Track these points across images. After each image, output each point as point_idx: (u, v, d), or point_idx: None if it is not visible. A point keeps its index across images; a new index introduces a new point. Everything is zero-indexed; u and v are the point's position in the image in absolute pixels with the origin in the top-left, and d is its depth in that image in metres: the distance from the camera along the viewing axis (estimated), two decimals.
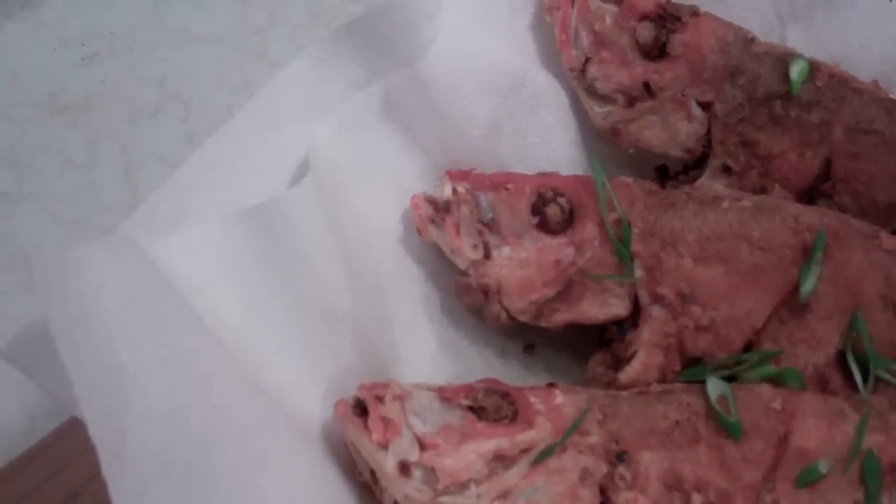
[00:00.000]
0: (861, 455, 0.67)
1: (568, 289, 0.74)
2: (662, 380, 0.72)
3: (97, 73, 0.94)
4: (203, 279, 0.64)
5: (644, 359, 0.72)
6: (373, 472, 0.63)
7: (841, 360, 0.73)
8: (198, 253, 0.65)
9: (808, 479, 0.66)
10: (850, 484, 0.67)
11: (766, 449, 0.67)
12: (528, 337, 0.78)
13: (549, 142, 0.82)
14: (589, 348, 0.75)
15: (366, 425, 0.62)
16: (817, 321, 0.73)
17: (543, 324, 0.74)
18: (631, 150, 0.83)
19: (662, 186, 0.80)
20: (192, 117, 0.93)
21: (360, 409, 0.63)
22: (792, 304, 0.73)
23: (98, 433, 0.54)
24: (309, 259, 0.68)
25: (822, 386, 0.72)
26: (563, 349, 0.78)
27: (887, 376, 0.72)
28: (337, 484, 0.62)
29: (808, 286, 0.73)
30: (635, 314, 0.73)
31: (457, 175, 0.76)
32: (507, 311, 0.74)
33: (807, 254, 0.74)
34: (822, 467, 0.66)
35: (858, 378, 0.72)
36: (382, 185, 0.75)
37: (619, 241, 0.74)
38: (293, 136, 0.72)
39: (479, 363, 0.76)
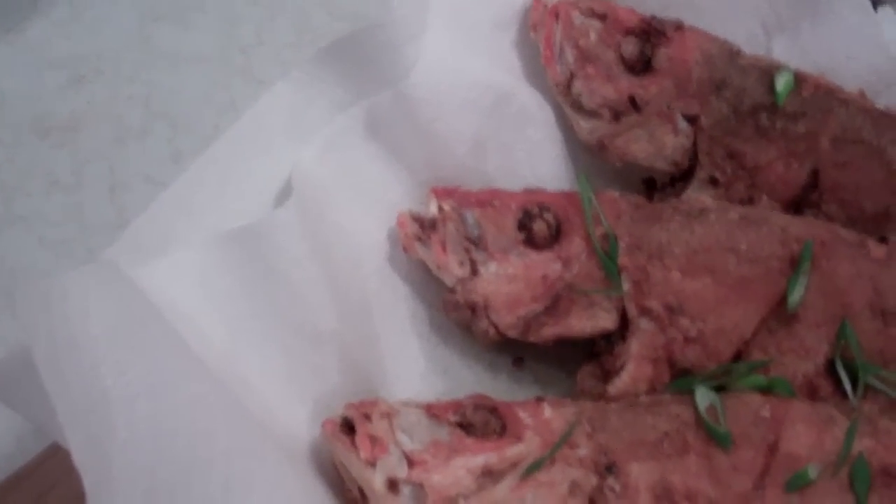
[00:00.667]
0: (850, 460, 0.69)
1: (556, 303, 0.75)
2: (652, 391, 0.73)
3: (83, 94, 0.96)
4: (188, 303, 0.65)
5: (633, 371, 0.73)
6: (361, 491, 0.64)
7: (830, 368, 0.74)
8: (182, 277, 0.66)
9: (797, 485, 0.67)
10: (839, 488, 0.68)
11: (756, 457, 0.68)
12: (517, 351, 0.79)
13: (535, 157, 0.84)
14: (578, 361, 0.76)
15: (353, 443, 0.63)
16: (806, 330, 0.75)
17: (532, 339, 0.75)
18: (618, 164, 0.84)
19: (650, 199, 0.81)
20: (178, 137, 0.95)
21: (348, 427, 0.64)
22: (780, 315, 0.75)
23: (82, 459, 0.55)
24: (293, 281, 0.69)
25: (812, 394, 0.74)
26: (553, 362, 0.79)
27: (877, 383, 0.73)
28: (325, 503, 0.63)
29: (795, 296, 0.74)
30: (623, 327, 0.75)
31: (442, 192, 0.77)
32: (496, 327, 0.75)
33: (794, 264, 0.75)
34: (812, 472, 0.67)
35: (848, 385, 0.73)
36: (367, 204, 0.76)
37: (606, 255, 0.75)
38: (277, 158, 0.74)
39: (468, 378, 0.77)
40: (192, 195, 0.70)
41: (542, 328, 0.75)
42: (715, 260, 0.75)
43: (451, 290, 0.75)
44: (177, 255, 0.67)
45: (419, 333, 0.77)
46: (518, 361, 0.80)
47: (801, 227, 0.77)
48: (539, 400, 0.70)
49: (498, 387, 0.77)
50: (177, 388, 0.58)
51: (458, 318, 0.76)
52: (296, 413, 0.66)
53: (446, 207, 0.76)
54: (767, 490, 0.67)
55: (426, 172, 0.80)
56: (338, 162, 0.76)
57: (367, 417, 0.64)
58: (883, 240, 0.79)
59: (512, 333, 0.75)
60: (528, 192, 0.79)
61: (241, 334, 0.66)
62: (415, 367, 0.75)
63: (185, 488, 0.56)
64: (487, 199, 0.77)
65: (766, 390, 0.73)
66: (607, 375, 0.75)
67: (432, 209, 0.76)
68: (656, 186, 0.87)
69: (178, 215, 0.70)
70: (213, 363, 0.62)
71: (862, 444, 0.70)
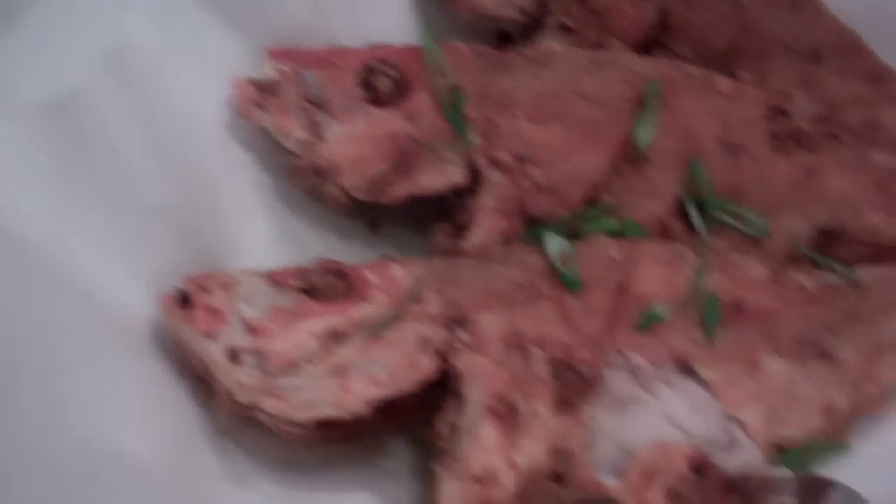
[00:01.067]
0: (701, 296, 0.70)
1: (404, 161, 0.74)
2: (506, 244, 0.73)
3: None
4: (4, 178, 0.62)
5: (486, 225, 0.73)
6: (205, 366, 0.63)
7: (681, 207, 0.75)
8: None
9: (647, 324, 0.68)
10: (690, 324, 0.69)
11: (606, 299, 0.69)
12: (371, 216, 0.79)
13: (380, 12, 0.81)
14: (432, 221, 0.76)
15: (191, 316, 0.62)
16: (656, 171, 0.75)
17: (383, 200, 0.74)
18: (467, 16, 0.82)
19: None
20: None
21: (185, 301, 0.63)
22: (630, 157, 0.75)
23: None
24: (119, 151, 0.66)
25: (664, 235, 0.74)
26: (407, 224, 0.78)
27: (727, 218, 0.74)
28: (164, 380, 0.62)
29: (643, 136, 0.74)
30: (474, 181, 0.74)
31: (279, 53, 0.75)
32: (345, 191, 0.74)
33: (642, 104, 0.75)
34: (660, 310, 0.68)
35: (699, 222, 0.74)
36: (201, 71, 0.73)
37: (452, 108, 0.74)
38: (100, 25, 0.70)
39: (320, 247, 0.76)
40: (7, 66, 0.66)
41: (391, 188, 0.74)
42: (563, 105, 0.75)
43: (296, 156, 0.74)
44: None
45: (264, 203, 0.75)
46: (372, 226, 0.79)
47: (648, 66, 0.77)
48: (387, 259, 0.70)
49: (352, 253, 0.77)
50: None
51: (304, 184, 0.75)
52: (132, 291, 0.65)
53: (285, 69, 0.74)
54: (618, 331, 0.68)
55: (264, 35, 0.77)
56: (167, 29, 0.72)
57: (205, 289, 0.63)
58: (732, 75, 0.79)
59: (361, 196, 0.74)
60: (370, 47, 0.77)
61: (64, 209, 0.63)
62: (261, 239, 0.74)
63: (1, 368, 0.54)
64: (327, 58, 0.75)
65: (618, 234, 0.73)
66: (461, 231, 0.74)
67: (269, 72, 0.74)
68: (510, 39, 0.86)
69: None
70: (32, 240, 0.60)
71: (712, 280, 0.71)
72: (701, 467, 0.64)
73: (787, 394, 0.68)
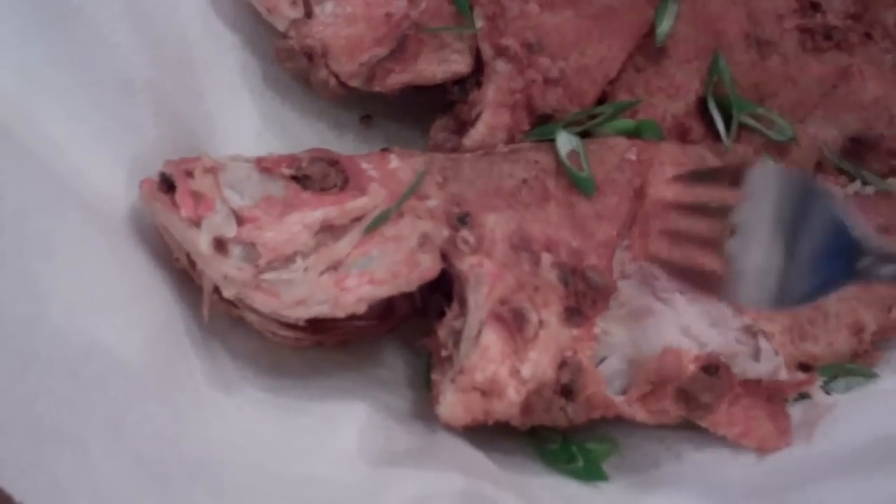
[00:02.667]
0: None
1: (402, 46, 0.71)
2: (511, 141, 0.71)
3: None
4: None
5: (489, 119, 0.70)
6: (189, 257, 0.61)
7: (702, 107, 0.73)
8: None
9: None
10: None
11: (621, 203, 0.67)
12: (365, 107, 0.76)
13: None
14: (432, 115, 0.73)
15: (174, 202, 0.60)
16: (675, 67, 0.73)
17: (378, 88, 0.72)
18: None
19: None
20: None
21: (167, 185, 0.61)
22: (648, 50, 0.73)
23: None
24: (95, 20, 0.63)
25: (683, 136, 0.73)
26: (404, 119, 0.76)
27: (751, 122, 0.72)
28: (146, 272, 0.60)
29: (664, 27, 0.72)
30: (478, 71, 0.72)
31: None
32: (336, 76, 0.71)
33: None
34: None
35: (721, 125, 0.72)
36: None
37: None
38: None
39: (309, 137, 0.74)
40: None
41: (388, 75, 0.72)
42: None
43: (284, 36, 0.71)
44: None
45: (251, 87, 0.73)
46: (366, 119, 0.77)
47: None
48: (385, 151, 0.67)
49: (344, 147, 0.74)
50: None
51: (293, 68, 0.72)
52: (109, 174, 0.62)
53: None
54: (635, 239, 0.67)
55: None
56: None
57: (189, 173, 0.61)
58: None
59: (354, 82, 0.71)
60: None
61: (37, 83, 0.60)
62: (247, 125, 0.72)
63: None
64: None
65: (633, 134, 0.71)
66: (462, 127, 0.72)
67: None
68: None
69: None
70: (2, 116, 0.57)
71: None
72: (712, 368, 0.63)
73: (815, 308, 0.67)
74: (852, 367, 0.68)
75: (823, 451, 0.63)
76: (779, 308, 0.62)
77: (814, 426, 0.64)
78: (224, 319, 0.63)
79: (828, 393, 0.66)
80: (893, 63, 0.75)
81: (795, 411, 0.65)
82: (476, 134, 0.71)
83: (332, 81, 0.71)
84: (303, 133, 0.74)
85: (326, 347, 0.65)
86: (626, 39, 0.72)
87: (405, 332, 0.68)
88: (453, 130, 0.72)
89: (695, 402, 0.63)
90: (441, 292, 0.65)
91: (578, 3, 0.72)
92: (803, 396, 0.66)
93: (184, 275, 0.63)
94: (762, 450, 0.64)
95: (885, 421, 0.63)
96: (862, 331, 0.68)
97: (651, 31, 0.72)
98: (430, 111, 0.74)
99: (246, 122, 0.72)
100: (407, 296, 0.64)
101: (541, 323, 0.63)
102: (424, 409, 0.65)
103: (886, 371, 0.69)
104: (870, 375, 0.68)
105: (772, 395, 0.64)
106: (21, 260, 0.53)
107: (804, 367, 0.66)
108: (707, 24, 0.73)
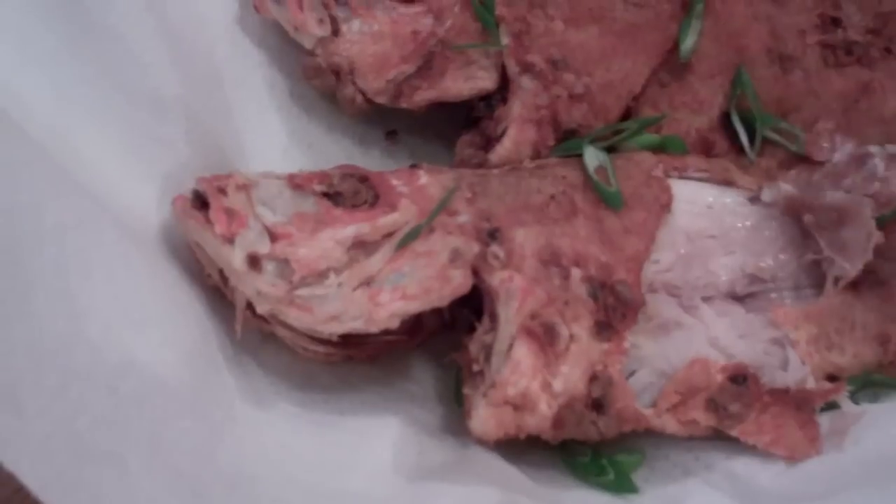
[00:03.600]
0: None
1: (428, 63, 0.72)
2: (536, 157, 0.71)
3: None
4: (4, 66, 0.59)
5: (515, 135, 0.71)
6: (221, 273, 0.61)
7: (725, 121, 0.73)
8: None
9: None
10: None
11: (649, 218, 0.67)
12: (390, 123, 0.77)
13: None
14: (456, 131, 0.74)
15: (207, 219, 0.60)
16: (699, 82, 0.73)
17: (404, 105, 0.72)
18: None
19: None
20: None
21: (201, 202, 0.61)
22: (672, 66, 0.73)
23: None
24: (127, 38, 0.64)
25: (707, 150, 0.73)
26: (429, 134, 0.77)
27: (774, 136, 0.72)
28: (180, 289, 0.60)
29: (688, 43, 0.73)
30: (504, 87, 0.72)
31: None
32: (363, 93, 0.72)
33: (686, 8, 0.73)
34: None
35: (744, 139, 0.73)
36: None
37: (482, 5, 0.72)
38: None
39: (336, 153, 0.74)
40: None
41: (414, 92, 0.72)
42: (601, 6, 0.73)
43: (311, 54, 0.72)
44: None
45: (279, 104, 0.73)
46: (391, 134, 0.77)
47: None
48: (414, 167, 0.68)
49: (370, 163, 0.75)
50: None
51: (320, 85, 0.73)
52: (141, 191, 0.62)
53: None
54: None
55: None
56: None
57: (222, 191, 0.61)
58: None
59: (381, 99, 0.72)
60: None
61: (70, 102, 0.61)
62: (275, 142, 0.72)
63: (9, 268, 0.52)
64: None
65: (658, 149, 0.72)
66: (488, 143, 0.72)
67: None
68: None
69: None
70: (37, 135, 0.57)
71: None
72: (741, 378, 0.63)
73: (842, 318, 0.67)
74: (879, 377, 0.68)
75: (854, 459, 0.62)
76: None
77: (843, 434, 0.64)
78: (255, 335, 0.63)
79: (856, 403, 0.66)
80: None
81: (824, 420, 0.65)
82: (502, 149, 0.71)
83: (359, 98, 0.72)
84: (329, 149, 0.74)
85: (356, 362, 0.65)
86: (651, 55, 0.72)
87: (433, 347, 0.68)
88: (479, 146, 0.73)
89: (724, 411, 0.63)
90: (470, 307, 0.65)
91: (603, 19, 0.72)
92: (832, 406, 0.66)
93: (215, 291, 0.63)
94: (792, 458, 0.64)
95: None
96: (888, 342, 0.68)
97: (675, 48, 0.72)
98: (454, 126, 0.74)
99: (273, 139, 0.72)
100: (436, 311, 0.64)
101: (571, 337, 0.63)
102: (455, 424, 0.65)
103: None
104: None
105: (800, 404, 0.64)
106: (60, 278, 0.53)
107: (831, 377, 0.66)
108: (730, 39, 0.73)
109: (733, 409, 0.63)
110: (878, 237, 0.66)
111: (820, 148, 0.71)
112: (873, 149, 0.70)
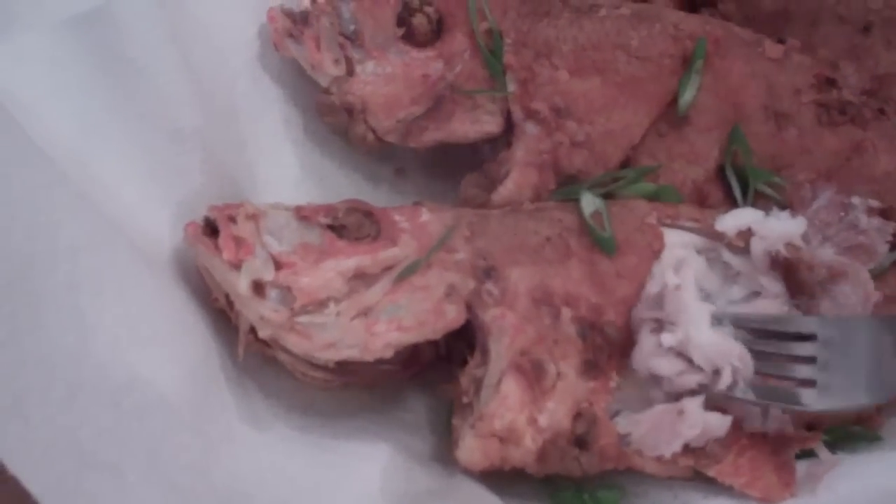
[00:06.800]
0: None
1: (437, 105, 0.74)
2: (537, 200, 0.73)
3: None
4: (31, 93, 0.62)
5: (517, 178, 0.73)
6: (227, 297, 0.63)
7: (721, 174, 0.75)
8: (25, 64, 0.63)
9: None
10: None
11: (640, 264, 0.69)
12: (399, 160, 0.79)
13: None
14: (462, 171, 0.76)
15: (216, 246, 0.62)
16: (696, 134, 0.75)
17: (412, 144, 0.74)
18: None
19: None
20: None
21: (211, 229, 0.63)
22: (671, 118, 0.75)
23: None
24: (150, 71, 0.66)
25: (701, 201, 0.74)
26: (436, 173, 0.79)
27: (767, 190, 0.74)
28: (187, 311, 0.62)
29: (687, 97, 0.74)
30: (508, 132, 0.74)
31: None
32: (374, 132, 0.74)
33: (686, 63, 0.75)
34: None
35: (738, 192, 0.74)
36: None
37: (491, 53, 0.74)
38: None
39: (346, 188, 0.76)
40: None
41: (422, 133, 0.74)
42: (604, 58, 0.74)
43: (326, 92, 0.74)
44: (18, 40, 0.63)
45: (293, 139, 0.75)
46: (400, 171, 0.79)
47: (695, 24, 0.76)
48: (417, 204, 0.70)
49: (378, 197, 0.77)
50: (11, 176, 0.56)
51: (333, 122, 0.75)
52: (156, 216, 0.65)
53: (320, 0, 0.74)
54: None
55: None
56: None
57: (232, 219, 0.63)
58: (781, 41, 0.79)
59: (391, 138, 0.74)
60: None
61: (93, 128, 0.63)
62: (288, 174, 0.74)
63: (23, 285, 0.54)
64: None
65: (653, 197, 0.73)
66: (491, 184, 0.74)
67: (304, 2, 0.74)
68: None
69: None
70: (60, 159, 0.60)
71: None
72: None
73: None
74: (857, 430, 0.69)
75: None
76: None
77: (818, 480, 0.65)
78: (257, 358, 0.65)
79: (833, 453, 0.67)
80: None
81: (801, 466, 0.66)
82: (504, 191, 0.73)
83: (370, 136, 0.74)
84: (340, 183, 0.76)
85: (353, 389, 0.66)
86: (651, 107, 0.74)
87: (428, 378, 0.69)
88: (483, 187, 0.74)
89: (702, 452, 0.65)
90: (464, 341, 0.66)
91: (606, 71, 0.74)
92: (809, 454, 0.67)
93: (221, 314, 0.65)
94: (767, 500, 0.65)
95: (889, 477, 0.64)
96: None
97: (674, 100, 0.74)
98: (459, 166, 0.76)
99: (287, 172, 0.74)
100: (431, 343, 0.66)
101: (559, 374, 0.65)
102: (444, 453, 0.66)
103: (890, 435, 0.69)
104: (874, 439, 0.69)
105: (777, 448, 0.66)
106: (71, 295, 0.55)
107: (809, 426, 0.68)
108: (728, 95, 0.75)
109: (711, 450, 0.65)
110: (876, 297, 0.67)
111: (800, 198, 0.72)
112: (854, 199, 0.72)
